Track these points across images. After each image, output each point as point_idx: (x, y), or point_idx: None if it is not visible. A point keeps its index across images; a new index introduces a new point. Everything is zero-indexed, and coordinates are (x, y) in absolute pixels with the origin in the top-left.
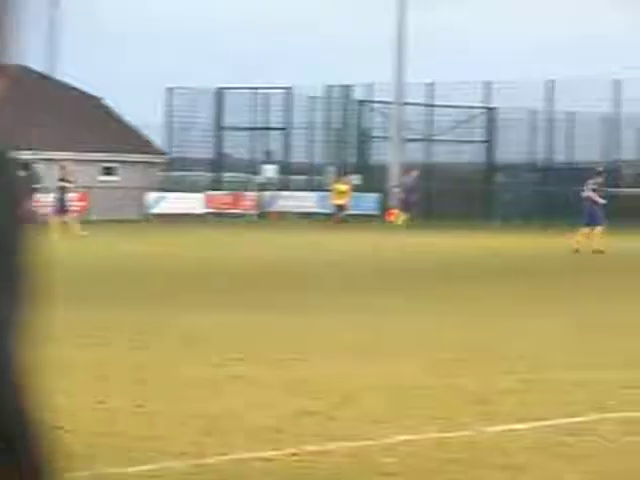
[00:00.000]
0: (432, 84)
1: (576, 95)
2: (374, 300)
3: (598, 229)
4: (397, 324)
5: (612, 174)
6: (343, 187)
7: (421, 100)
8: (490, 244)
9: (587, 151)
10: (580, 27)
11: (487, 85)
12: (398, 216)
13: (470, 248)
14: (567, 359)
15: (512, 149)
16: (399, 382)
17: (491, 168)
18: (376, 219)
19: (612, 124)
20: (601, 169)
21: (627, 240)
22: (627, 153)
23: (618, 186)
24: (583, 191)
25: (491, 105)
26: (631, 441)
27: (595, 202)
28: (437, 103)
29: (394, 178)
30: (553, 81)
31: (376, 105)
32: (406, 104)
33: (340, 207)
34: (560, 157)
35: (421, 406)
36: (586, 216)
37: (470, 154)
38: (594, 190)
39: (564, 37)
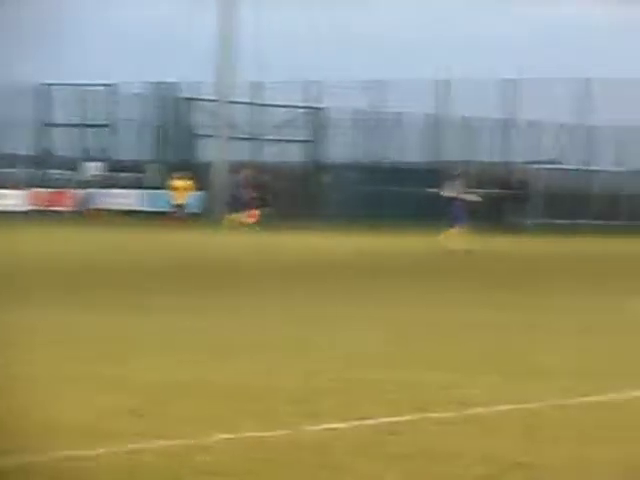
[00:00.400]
0: (260, 83)
1: (404, 95)
2: (185, 300)
3: (460, 230)
4: (216, 324)
5: (436, 175)
6: (182, 184)
7: (249, 99)
8: (316, 243)
9: (413, 151)
10: (412, 29)
11: (315, 85)
12: (234, 217)
13: (297, 248)
14: (388, 359)
15: (339, 149)
16: (217, 381)
17: (317, 168)
18: (201, 217)
19: (437, 125)
20: (458, 171)
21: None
22: (451, 154)
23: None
24: (442, 192)
25: (319, 105)
26: (449, 442)
27: (460, 202)
28: (265, 102)
29: (220, 177)
30: (381, 81)
31: (203, 103)
32: (233, 102)
33: (179, 206)
34: (387, 157)
35: (240, 405)
36: (453, 216)
37: (297, 153)
38: (461, 191)
39: (395, 39)
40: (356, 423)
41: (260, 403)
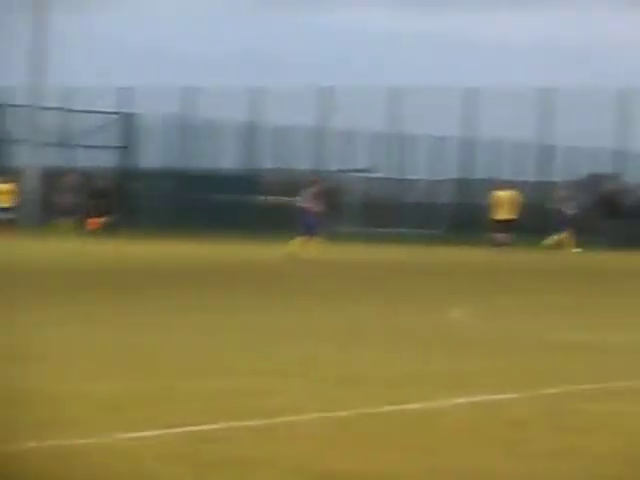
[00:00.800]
0: (72, 88)
1: (218, 102)
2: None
3: (313, 239)
4: (40, 331)
5: (252, 182)
6: (7, 188)
7: (61, 104)
8: (130, 251)
9: (227, 159)
10: (229, 40)
11: (127, 91)
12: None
13: (110, 255)
14: (198, 367)
15: (151, 156)
16: (29, 388)
17: (129, 174)
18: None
19: (252, 132)
20: (315, 178)
21: (272, 248)
22: (266, 161)
23: (259, 194)
24: (298, 200)
25: (131, 111)
26: (262, 450)
27: (311, 211)
28: (76, 108)
29: (32, 183)
30: (192, 88)
31: (15, 109)
32: (45, 108)
33: (5, 210)
34: (200, 164)
35: (55, 413)
36: (303, 225)
37: (108, 160)
38: (313, 199)
39: (218, 50)
40: (167, 431)
41: (71, 410)
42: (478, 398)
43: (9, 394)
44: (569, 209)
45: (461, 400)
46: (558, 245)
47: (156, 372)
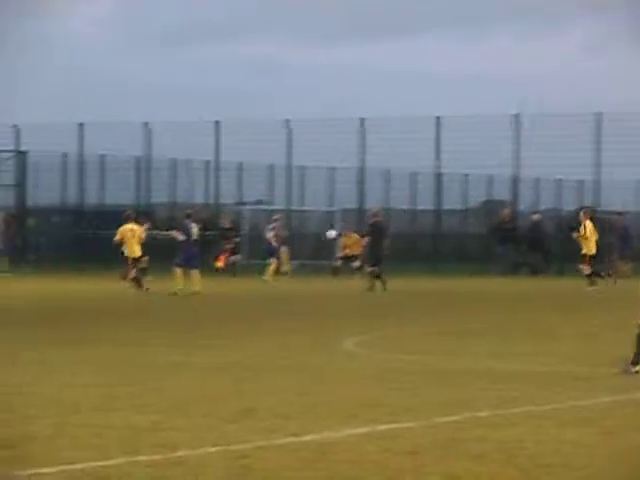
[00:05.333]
0: None
1: (107, 138)
2: None
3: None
4: None
5: (146, 216)
6: None
7: None
8: (23, 289)
9: (119, 194)
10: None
11: (16, 128)
12: None
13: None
14: (94, 403)
15: (44, 192)
16: None
17: (23, 212)
18: None
19: (144, 167)
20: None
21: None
22: (158, 196)
23: (157, 228)
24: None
25: (22, 148)
26: None
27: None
28: None
29: None
30: (83, 124)
31: None
32: None
33: None
34: (92, 200)
35: None
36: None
37: (1, 198)
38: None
39: (96, 80)
40: (65, 467)
41: None
42: (374, 428)
43: None
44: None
45: (358, 430)
46: None
47: (51, 409)
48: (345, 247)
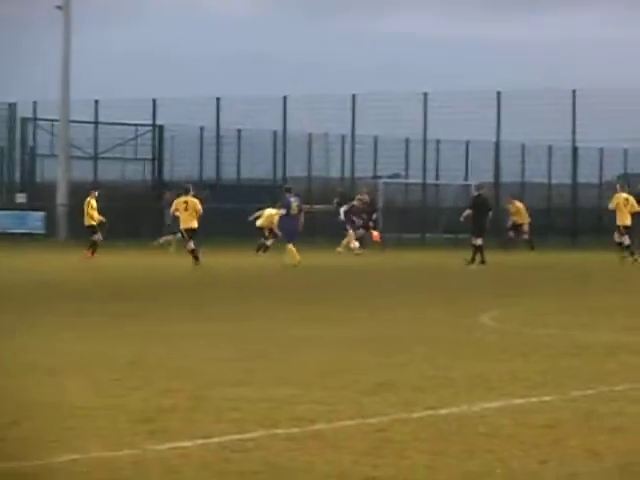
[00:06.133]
0: (98, 101)
1: (243, 112)
2: (38, 320)
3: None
4: (63, 343)
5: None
6: None
7: (88, 118)
8: (160, 262)
9: (255, 168)
10: (250, 45)
11: (154, 102)
12: None
13: (139, 267)
14: (231, 376)
15: (181, 166)
16: (64, 401)
17: (160, 186)
18: (42, 238)
19: (280, 141)
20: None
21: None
22: (294, 170)
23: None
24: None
25: (158, 122)
26: (297, 458)
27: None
28: (104, 120)
29: (61, 197)
30: (220, 98)
31: (41, 123)
32: (73, 122)
33: None
34: (228, 174)
35: (86, 425)
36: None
37: (138, 172)
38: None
39: (233, 54)
40: (202, 441)
41: (106, 423)
42: (511, 402)
43: (35, 407)
44: None
45: (494, 404)
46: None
47: (188, 382)
48: (514, 215)
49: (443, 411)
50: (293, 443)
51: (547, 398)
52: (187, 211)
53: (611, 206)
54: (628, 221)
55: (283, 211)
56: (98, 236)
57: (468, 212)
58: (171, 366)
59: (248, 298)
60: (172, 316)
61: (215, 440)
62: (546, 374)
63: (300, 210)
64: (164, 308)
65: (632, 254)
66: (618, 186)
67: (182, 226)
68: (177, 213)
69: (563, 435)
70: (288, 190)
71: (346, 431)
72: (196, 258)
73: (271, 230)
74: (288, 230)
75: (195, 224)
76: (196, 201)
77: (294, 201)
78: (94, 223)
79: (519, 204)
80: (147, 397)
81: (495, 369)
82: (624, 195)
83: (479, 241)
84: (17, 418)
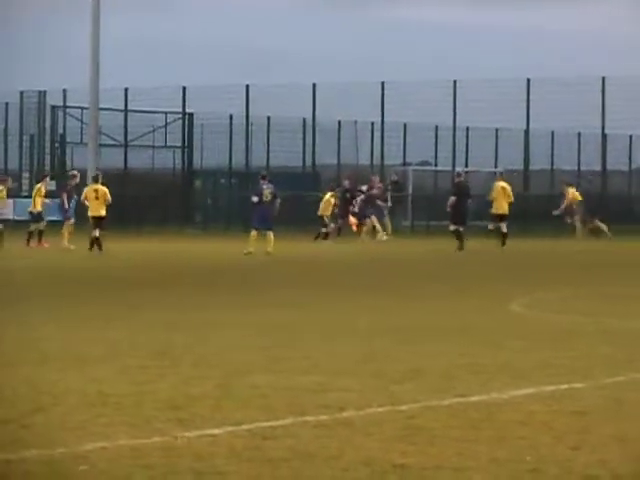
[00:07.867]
0: (127, 89)
1: (273, 100)
2: (66, 309)
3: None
4: (88, 331)
5: (311, 179)
6: None
7: (117, 105)
8: (191, 250)
9: (285, 155)
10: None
11: (184, 90)
12: None
13: (169, 254)
14: (260, 364)
15: (211, 154)
16: (91, 389)
17: (189, 173)
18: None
19: (310, 128)
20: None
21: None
22: (324, 157)
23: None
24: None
25: (188, 110)
26: (326, 445)
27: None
28: (133, 108)
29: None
30: (249, 86)
31: (71, 110)
32: (102, 109)
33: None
34: (258, 162)
35: (114, 413)
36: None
37: (168, 159)
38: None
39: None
40: (232, 428)
41: (134, 410)
42: (541, 389)
43: (63, 395)
44: None
45: (524, 391)
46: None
47: (217, 370)
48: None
49: (473, 398)
50: (322, 430)
51: (578, 385)
52: (97, 200)
53: None
54: None
55: (255, 199)
56: (43, 224)
57: (453, 199)
58: (199, 353)
59: (277, 286)
60: (202, 302)
61: (244, 427)
62: (577, 361)
63: (274, 197)
64: (191, 296)
65: None
66: None
67: (90, 214)
68: (86, 202)
69: (593, 422)
70: (263, 177)
71: (376, 418)
72: (99, 246)
73: (333, 214)
74: (260, 217)
75: (104, 212)
76: (106, 190)
77: (266, 188)
78: (40, 210)
79: (572, 190)
80: (175, 384)
81: (525, 356)
82: None
83: (453, 227)
84: (44, 405)
